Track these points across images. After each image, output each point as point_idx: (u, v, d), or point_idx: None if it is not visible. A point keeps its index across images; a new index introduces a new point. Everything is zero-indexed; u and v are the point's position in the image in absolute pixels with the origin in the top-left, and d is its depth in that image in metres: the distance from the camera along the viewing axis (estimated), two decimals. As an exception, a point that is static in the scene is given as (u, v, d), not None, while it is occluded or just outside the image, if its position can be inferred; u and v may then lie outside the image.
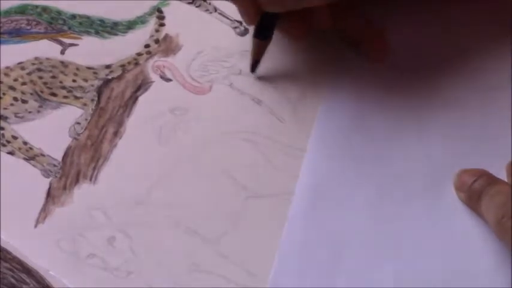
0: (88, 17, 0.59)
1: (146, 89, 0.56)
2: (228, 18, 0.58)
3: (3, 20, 0.58)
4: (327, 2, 0.52)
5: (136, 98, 0.55)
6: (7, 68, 0.56)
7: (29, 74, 0.56)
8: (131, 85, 0.56)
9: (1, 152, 0.53)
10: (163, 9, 0.59)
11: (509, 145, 0.51)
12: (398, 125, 0.53)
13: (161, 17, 0.59)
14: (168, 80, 0.56)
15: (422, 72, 0.55)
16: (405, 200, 0.50)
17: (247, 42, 0.56)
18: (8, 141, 0.53)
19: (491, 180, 0.48)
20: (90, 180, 0.52)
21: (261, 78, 0.55)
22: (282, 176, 0.51)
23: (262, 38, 0.54)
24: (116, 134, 0.54)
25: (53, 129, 0.54)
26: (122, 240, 0.49)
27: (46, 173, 0.52)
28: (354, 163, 0.51)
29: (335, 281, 0.47)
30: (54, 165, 0.52)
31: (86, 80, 0.56)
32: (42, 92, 0.55)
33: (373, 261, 0.48)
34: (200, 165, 0.52)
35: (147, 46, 0.57)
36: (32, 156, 0.53)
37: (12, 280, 0.48)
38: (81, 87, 0.56)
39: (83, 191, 0.51)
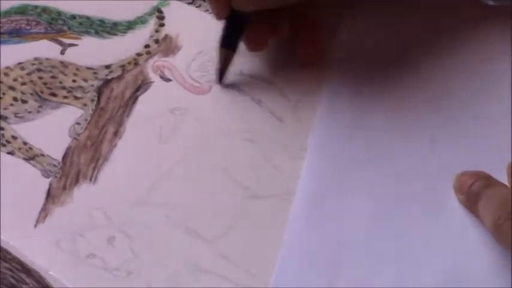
0: (88, 17, 0.59)
1: (146, 89, 0.56)
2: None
3: (3, 20, 0.58)
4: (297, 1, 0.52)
5: (136, 98, 0.55)
6: (7, 68, 0.56)
7: (28, 74, 0.56)
8: (131, 85, 0.56)
9: (1, 152, 0.53)
10: (163, 9, 0.59)
11: (510, 146, 0.51)
12: (399, 126, 0.53)
13: (161, 17, 0.59)
14: (168, 80, 0.56)
15: (424, 73, 0.55)
16: (406, 202, 0.50)
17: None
18: (8, 141, 0.53)
19: (489, 182, 0.48)
20: (90, 180, 0.52)
21: (260, 78, 0.55)
22: (282, 176, 0.51)
23: (228, 47, 0.54)
24: (116, 134, 0.54)
25: (52, 129, 0.54)
26: (122, 240, 0.49)
27: (46, 173, 0.52)
28: (354, 165, 0.51)
29: (336, 284, 0.47)
30: (54, 165, 0.52)
31: (85, 80, 0.56)
32: (42, 92, 0.55)
33: (374, 264, 0.48)
34: (200, 165, 0.52)
35: (147, 46, 0.57)
36: (31, 156, 0.53)
37: (12, 280, 0.48)
38: (81, 87, 0.56)
39: (82, 191, 0.51)
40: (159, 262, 0.48)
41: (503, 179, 0.48)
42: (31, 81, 0.56)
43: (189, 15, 0.59)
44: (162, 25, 0.58)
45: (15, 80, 0.56)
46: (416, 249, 0.48)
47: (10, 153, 0.53)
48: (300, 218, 0.49)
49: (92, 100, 0.55)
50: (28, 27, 0.58)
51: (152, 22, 0.58)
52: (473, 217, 0.48)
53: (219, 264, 0.48)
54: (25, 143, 0.53)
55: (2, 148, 0.53)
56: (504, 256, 0.47)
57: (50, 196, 0.51)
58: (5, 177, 0.52)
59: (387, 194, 0.50)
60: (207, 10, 0.58)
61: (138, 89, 0.56)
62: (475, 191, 0.48)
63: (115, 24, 0.58)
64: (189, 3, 0.59)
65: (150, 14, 0.59)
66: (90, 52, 0.57)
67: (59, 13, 0.59)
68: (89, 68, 0.56)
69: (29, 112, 0.54)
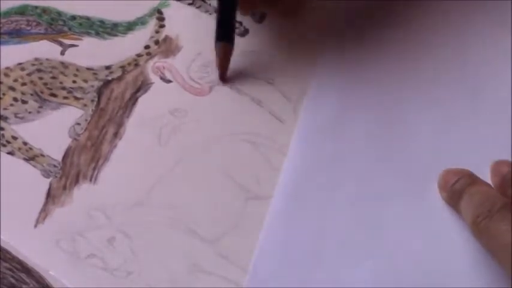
0: (88, 18, 0.59)
1: (146, 90, 0.56)
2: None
3: (3, 20, 0.58)
4: None
5: (136, 99, 0.55)
6: (7, 68, 0.56)
7: (29, 74, 0.56)
8: (131, 86, 0.56)
9: (1, 152, 0.53)
10: (163, 10, 0.59)
11: (496, 145, 0.51)
12: (381, 124, 0.53)
13: (161, 18, 0.59)
14: (168, 81, 0.56)
15: (411, 69, 0.55)
16: (386, 198, 0.50)
17: (247, 42, 0.57)
18: (8, 142, 0.53)
19: (472, 180, 0.48)
20: (90, 180, 0.52)
21: (260, 78, 0.55)
22: (282, 176, 0.52)
23: (225, 40, 0.54)
24: (116, 134, 0.54)
25: (53, 129, 0.54)
26: (122, 240, 0.49)
27: (46, 173, 0.52)
28: (334, 161, 0.52)
29: (314, 279, 0.47)
30: (54, 166, 0.52)
31: (85, 81, 0.56)
32: (42, 92, 0.55)
33: (353, 259, 0.48)
34: (200, 166, 0.52)
35: (147, 47, 0.57)
36: (32, 156, 0.53)
37: (12, 280, 0.48)
38: (81, 88, 0.56)
39: (82, 192, 0.51)
40: (159, 262, 0.48)
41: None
42: (31, 81, 0.56)
43: (189, 16, 0.59)
44: (162, 26, 0.58)
45: (15, 80, 0.56)
46: (396, 246, 0.48)
47: (10, 153, 0.53)
48: (280, 210, 0.50)
49: (92, 101, 0.55)
50: (28, 28, 0.58)
51: (152, 23, 0.58)
52: (455, 215, 0.49)
53: (218, 264, 0.48)
54: (25, 143, 0.53)
55: (2, 148, 0.53)
56: (482, 255, 0.47)
57: (50, 196, 0.51)
58: (5, 177, 0.52)
59: (368, 192, 0.50)
60: (207, 11, 0.58)
61: (138, 90, 0.56)
62: (458, 189, 0.48)
63: (115, 25, 0.58)
64: (189, 4, 0.59)
65: (150, 14, 0.59)
66: (91, 53, 0.57)
67: (59, 14, 0.59)
68: (89, 69, 0.56)
69: (29, 112, 0.54)
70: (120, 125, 0.54)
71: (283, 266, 0.48)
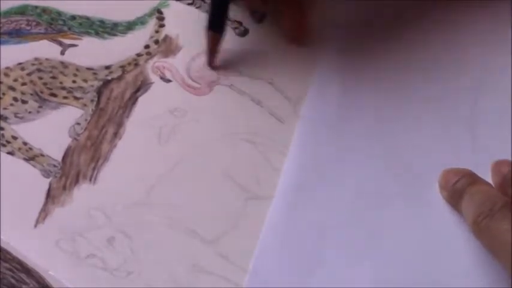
0: (88, 18, 0.59)
1: (146, 90, 0.56)
2: (227, 18, 0.58)
3: (3, 20, 0.58)
4: None
5: (136, 99, 0.55)
6: (7, 68, 0.56)
7: (28, 74, 0.56)
8: (131, 86, 0.56)
9: (1, 152, 0.53)
10: (163, 10, 0.59)
11: (496, 145, 0.51)
12: (381, 123, 0.53)
13: (161, 18, 0.59)
14: (168, 81, 0.56)
15: (412, 68, 0.55)
16: (386, 198, 0.50)
17: (247, 42, 0.57)
18: (8, 142, 0.53)
19: (473, 179, 0.48)
20: (90, 180, 0.52)
21: (260, 78, 0.55)
22: (282, 176, 0.52)
23: (215, 30, 0.54)
24: (116, 134, 0.54)
25: (52, 129, 0.54)
26: (122, 240, 0.49)
27: (46, 173, 0.52)
28: (335, 161, 0.52)
29: (315, 279, 0.47)
30: (54, 166, 0.52)
31: (85, 81, 0.56)
32: (42, 92, 0.55)
33: (353, 259, 0.48)
34: (200, 166, 0.52)
35: (147, 47, 0.57)
36: (31, 156, 0.53)
37: (12, 280, 0.48)
38: (81, 87, 0.56)
39: (82, 191, 0.51)
40: (159, 262, 0.48)
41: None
42: (31, 81, 0.56)
43: (189, 16, 0.59)
44: (162, 26, 0.58)
45: (15, 80, 0.56)
46: (396, 244, 0.48)
47: (10, 153, 0.53)
48: (280, 210, 0.50)
49: (92, 100, 0.55)
50: (28, 28, 0.58)
51: (152, 23, 0.58)
52: (456, 214, 0.49)
53: (218, 264, 0.48)
54: (25, 143, 0.53)
55: (2, 148, 0.53)
56: (483, 255, 0.47)
57: (50, 196, 0.51)
58: (5, 177, 0.52)
59: (368, 188, 0.50)
60: (207, 11, 0.58)
61: (138, 89, 0.56)
62: (459, 188, 0.48)
63: (115, 25, 0.58)
64: (189, 4, 0.59)
65: (150, 14, 0.59)
66: (90, 53, 0.57)
67: (59, 13, 0.59)
68: (89, 69, 0.56)
69: (29, 112, 0.54)
70: (120, 124, 0.54)
71: (283, 266, 0.48)
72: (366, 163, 0.51)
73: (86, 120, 0.54)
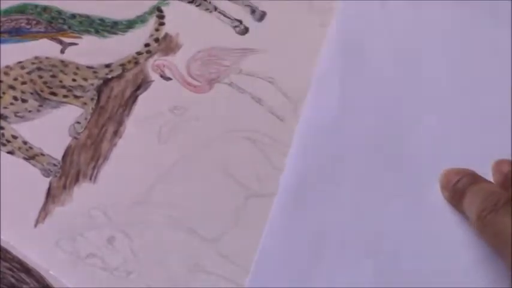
0: (88, 16, 0.59)
1: (146, 88, 0.56)
2: (228, 17, 0.58)
3: (3, 19, 0.58)
4: None
5: (136, 97, 0.55)
6: (7, 67, 0.56)
7: (28, 73, 0.56)
8: (131, 84, 0.56)
9: (1, 152, 0.53)
10: (163, 8, 0.59)
11: (496, 144, 0.51)
12: (381, 123, 0.53)
13: (161, 16, 0.58)
14: (168, 79, 0.56)
15: (412, 68, 0.55)
16: (387, 197, 0.50)
17: (247, 41, 0.56)
18: (8, 141, 0.53)
19: (474, 179, 0.48)
20: (90, 179, 0.52)
21: (261, 76, 0.55)
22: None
23: None
24: (116, 133, 0.54)
25: (52, 128, 0.54)
26: (122, 240, 0.49)
27: (46, 173, 0.52)
28: (335, 161, 0.51)
29: (316, 278, 0.47)
30: (54, 165, 0.52)
31: (85, 79, 0.56)
32: (42, 91, 0.55)
33: (354, 258, 0.48)
34: (200, 164, 0.52)
35: (147, 45, 0.57)
36: (31, 155, 0.53)
37: (12, 280, 0.48)
38: (81, 86, 0.55)
39: (82, 191, 0.51)
40: (159, 262, 0.48)
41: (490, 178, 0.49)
42: (31, 80, 0.56)
43: (189, 14, 0.59)
44: (162, 24, 0.58)
45: (15, 79, 0.56)
46: (397, 243, 0.48)
47: (10, 152, 0.53)
48: (281, 210, 0.50)
49: (92, 99, 0.55)
50: (28, 27, 0.58)
51: (152, 21, 0.58)
52: (456, 214, 0.49)
53: (218, 264, 0.48)
54: (25, 142, 0.53)
55: (2, 147, 0.53)
56: (484, 254, 0.47)
57: (50, 196, 0.51)
58: (5, 177, 0.52)
59: (369, 187, 0.50)
60: (207, 9, 0.58)
61: (138, 88, 0.56)
62: (460, 187, 0.48)
63: (115, 23, 0.58)
64: (189, 2, 0.59)
65: (150, 13, 0.59)
66: (90, 51, 0.57)
67: (59, 12, 0.59)
68: (89, 67, 0.56)
69: (29, 111, 0.54)
70: (120, 123, 0.54)
71: (285, 266, 0.48)
72: (366, 162, 0.51)
73: (86, 119, 0.54)
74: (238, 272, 0.48)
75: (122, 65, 0.56)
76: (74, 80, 0.56)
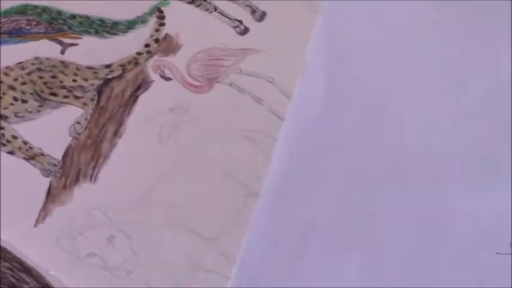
0: (88, 17, 0.59)
1: (146, 89, 0.56)
2: (228, 17, 0.58)
3: (3, 20, 0.58)
4: None
5: (136, 98, 0.55)
6: (7, 67, 0.56)
7: (29, 73, 0.56)
8: (131, 84, 0.56)
9: (1, 152, 0.53)
10: (164, 8, 0.59)
11: (496, 144, 0.51)
12: (370, 118, 0.53)
13: (161, 17, 0.58)
14: (168, 79, 0.56)
15: (406, 66, 0.55)
16: (375, 190, 0.50)
17: (247, 41, 0.56)
18: (8, 141, 0.53)
19: None
20: (90, 179, 0.52)
21: (260, 76, 0.55)
22: (282, 174, 0.52)
23: None
24: (116, 133, 0.54)
25: (53, 128, 0.54)
26: (122, 239, 0.49)
27: (46, 173, 0.52)
28: (324, 153, 0.52)
29: (303, 269, 0.48)
30: (54, 165, 0.52)
31: (86, 80, 0.56)
32: (42, 91, 0.55)
33: (341, 249, 0.48)
34: (200, 164, 0.52)
35: (147, 46, 0.57)
36: (32, 155, 0.53)
37: (12, 279, 0.48)
38: (81, 86, 0.56)
39: (82, 191, 0.51)
40: (159, 262, 0.48)
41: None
42: (31, 80, 0.56)
43: (189, 15, 0.59)
44: (162, 24, 0.58)
45: (15, 79, 0.56)
46: (385, 235, 0.49)
47: (10, 152, 0.53)
48: (268, 202, 0.50)
49: (92, 99, 0.55)
50: (28, 27, 0.58)
51: (152, 21, 0.58)
52: (443, 205, 0.49)
53: (218, 263, 0.48)
54: (25, 143, 0.53)
55: (2, 148, 0.53)
56: (473, 246, 0.47)
57: (50, 195, 0.51)
58: (5, 177, 0.52)
59: (357, 180, 0.50)
60: (207, 9, 0.58)
61: (138, 88, 0.56)
62: None
63: (115, 24, 0.58)
64: (189, 3, 0.59)
65: (150, 13, 0.59)
66: (91, 52, 0.57)
67: (59, 13, 0.59)
68: (89, 68, 0.56)
69: (29, 112, 0.54)
70: (120, 123, 0.54)
71: (271, 257, 0.48)
72: (355, 156, 0.51)
73: (86, 119, 0.54)
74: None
75: (122, 65, 0.56)
76: (74, 80, 0.56)
